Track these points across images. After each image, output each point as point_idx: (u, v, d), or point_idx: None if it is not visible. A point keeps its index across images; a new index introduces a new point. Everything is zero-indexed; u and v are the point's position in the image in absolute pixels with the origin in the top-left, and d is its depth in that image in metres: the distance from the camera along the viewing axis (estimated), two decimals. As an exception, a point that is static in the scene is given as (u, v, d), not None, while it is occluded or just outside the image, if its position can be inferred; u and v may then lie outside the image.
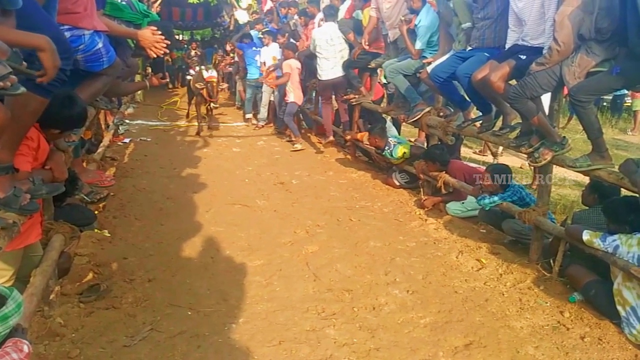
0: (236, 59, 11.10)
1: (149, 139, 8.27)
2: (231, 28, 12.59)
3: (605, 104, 13.33)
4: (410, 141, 6.60)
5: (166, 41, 3.54)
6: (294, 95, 8.17)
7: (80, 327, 2.98)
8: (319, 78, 7.46)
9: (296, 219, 4.94)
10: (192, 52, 15.07)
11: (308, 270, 3.88)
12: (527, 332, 3.19)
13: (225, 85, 10.40)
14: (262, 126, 9.54)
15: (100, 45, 3.00)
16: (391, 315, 3.32)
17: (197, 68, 10.85)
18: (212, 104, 9.27)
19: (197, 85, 8.68)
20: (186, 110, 10.39)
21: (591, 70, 3.46)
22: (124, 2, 3.94)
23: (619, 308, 3.19)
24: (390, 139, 6.11)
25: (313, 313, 3.29)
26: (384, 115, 7.06)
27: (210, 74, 9.34)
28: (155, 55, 3.57)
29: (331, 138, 7.63)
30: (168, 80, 5.83)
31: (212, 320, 3.16)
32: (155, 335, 2.97)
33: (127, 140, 7.93)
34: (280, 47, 9.02)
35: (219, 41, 15.80)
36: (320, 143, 8.13)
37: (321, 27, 7.32)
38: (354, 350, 2.92)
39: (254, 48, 9.88)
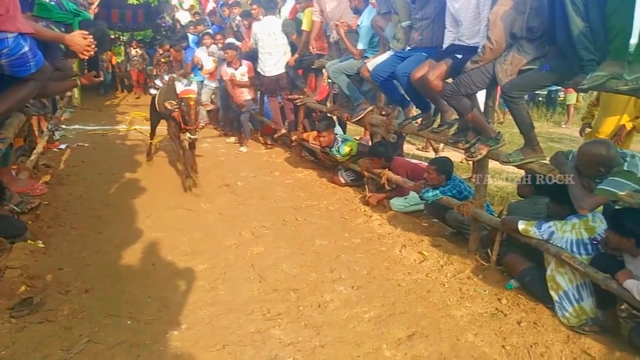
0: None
1: (86, 144, 7.93)
2: (178, 29, 12.19)
3: (540, 98, 13.95)
4: (356, 139, 6.67)
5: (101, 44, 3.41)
6: (249, 93, 8.01)
7: (12, 343, 2.82)
8: (262, 74, 7.41)
9: (242, 220, 4.89)
10: (133, 52, 14.52)
11: (253, 271, 3.84)
12: (467, 320, 3.30)
13: (211, 106, 7.08)
14: (202, 127, 9.20)
15: (26, 49, 2.84)
16: (336, 312, 3.34)
17: (166, 76, 7.25)
18: (190, 134, 5.47)
19: (168, 105, 5.48)
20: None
21: (523, 68, 3.60)
22: (52, 2, 3.76)
23: (552, 293, 3.34)
24: (337, 137, 6.17)
25: (258, 314, 3.26)
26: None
27: (186, 86, 6.84)
28: (87, 57, 3.44)
29: (283, 130, 7.59)
30: (102, 78, 5.67)
31: (153, 328, 3.06)
32: (93, 347, 2.85)
33: (63, 146, 7.58)
34: (219, 49, 8.45)
35: (160, 42, 15.31)
36: (267, 143, 8.08)
37: (261, 20, 7.25)
38: (299, 349, 2.92)
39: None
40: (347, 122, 6.50)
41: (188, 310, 3.29)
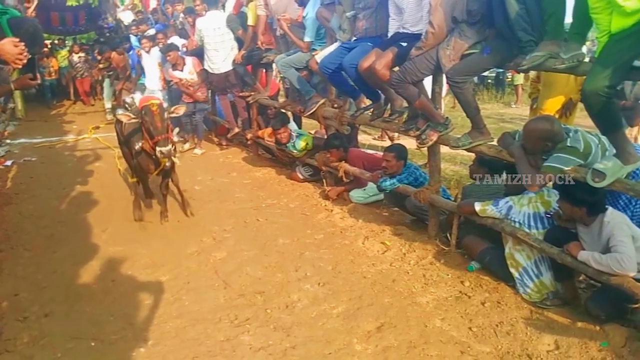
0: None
1: (34, 159, 7.62)
2: (122, 29, 11.72)
3: (489, 80, 14.25)
4: (311, 133, 6.66)
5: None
6: (202, 94, 7.82)
7: (-32, 380, 2.70)
8: (211, 71, 7.27)
9: (201, 226, 4.82)
10: (75, 57, 13.87)
11: (217, 278, 3.80)
12: (433, 305, 3.37)
13: (182, 110, 4.98)
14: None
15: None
16: (304, 311, 3.35)
17: (133, 96, 5.14)
18: (159, 146, 4.22)
19: (123, 119, 4.51)
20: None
21: (465, 53, 3.66)
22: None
23: (512, 270, 3.46)
24: (292, 132, 6.15)
25: (226, 322, 3.23)
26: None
27: (148, 91, 6.49)
28: (20, 66, 3.26)
29: (236, 129, 7.49)
30: (39, 81, 5.39)
31: (118, 347, 2.99)
32: (57, 374, 2.77)
33: (8, 162, 7.26)
34: (161, 51, 7.91)
35: (104, 44, 14.62)
36: (221, 144, 7.96)
37: (205, 16, 7.07)
38: (270, 353, 2.92)
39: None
40: (301, 116, 6.48)
41: (153, 325, 3.22)
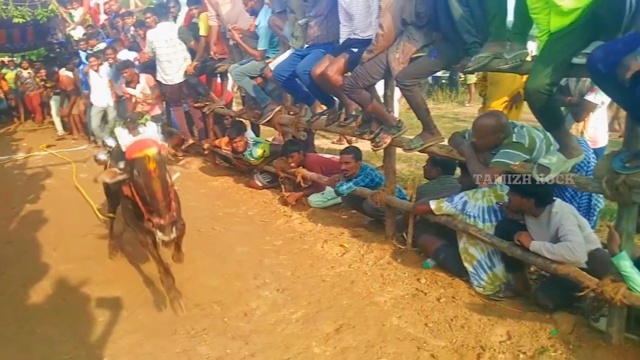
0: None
1: (-20, 179, 7.31)
2: (73, 45, 11.38)
3: (443, 80, 14.53)
4: (268, 140, 6.65)
5: None
6: (158, 107, 7.67)
7: None
8: (164, 83, 7.17)
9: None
10: (25, 73, 13.38)
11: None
12: (391, 304, 3.41)
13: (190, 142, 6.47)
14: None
15: None
16: (263, 318, 3.33)
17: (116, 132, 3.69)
18: (160, 233, 2.96)
19: (107, 178, 3.11)
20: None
21: (413, 56, 3.74)
22: None
23: (467, 265, 3.54)
24: (249, 140, 6.13)
25: (182, 333, 3.18)
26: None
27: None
28: None
29: (191, 141, 7.39)
30: None
31: (70, 368, 2.89)
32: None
33: (-47, 184, 6.94)
34: (117, 68, 7.76)
35: (55, 60, 14.15)
36: (176, 156, 7.80)
37: (156, 28, 7.00)
38: (228, 362, 2.88)
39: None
40: (258, 124, 6.47)
41: (108, 342, 3.13)
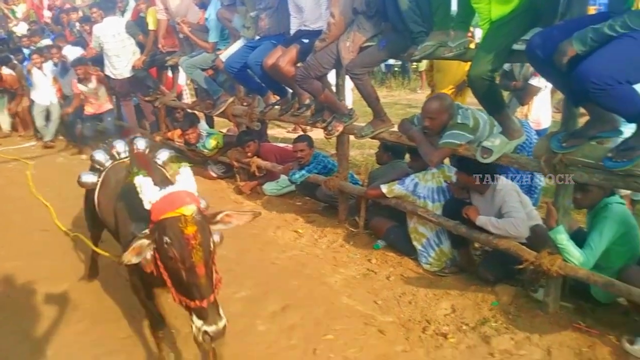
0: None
1: None
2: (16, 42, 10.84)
3: (396, 68, 14.67)
4: (222, 132, 6.65)
5: None
6: (109, 102, 7.48)
7: None
8: (113, 77, 7.03)
9: (105, 233, 4.60)
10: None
11: (121, 279, 3.61)
12: (341, 284, 3.52)
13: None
14: (52, 143, 8.28)
15: None
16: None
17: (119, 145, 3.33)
18: (204, 324, 2.02)
19: (129, 258, 2.08)
20: None
21: (363, 46, 3.85)
22: None
23: (416, 243, 3.72)
24: (202, 132, 6.12)
25: (127, 319, 3.17)
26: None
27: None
28: None
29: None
30: None
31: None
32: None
33: None
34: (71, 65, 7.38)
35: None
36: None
37: (102, 23, 6.85)
38: (172, 341, 2.90)
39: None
40: (211, 115, 6.46)
41: (53, 334, 3.07)
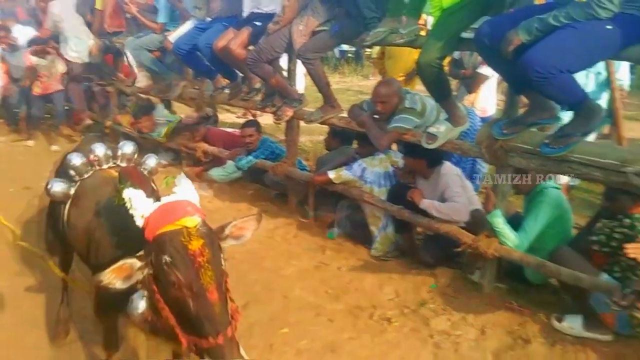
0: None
1: None
2: None
3: (350, 55, 14.70)
4: (181, 116, 6.42)
5: None
6: (59, 83, 7.05)
7: None
8: (70, 59, 6.60)
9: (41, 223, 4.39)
10: None
11: (57, 278, 3.43)
12: (295, 276, 3.50)
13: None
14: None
15: None
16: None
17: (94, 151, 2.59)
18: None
19: (109, 279, 1.60)
20: None
21: (316, 30, 3.82)
22: None
23: (373, 229, 3.72)
24: (158, 119, 5.93)
25: (74, 324, 2.99)
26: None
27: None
28: None
29: (88, 121, 6.97)
30: None
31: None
32: None
33: None
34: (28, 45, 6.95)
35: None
36: (70, 136, 7.28)
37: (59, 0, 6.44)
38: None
39: None
40: (167, 100, 6.26)
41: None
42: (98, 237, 2.09)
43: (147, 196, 1.80)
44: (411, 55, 4.72)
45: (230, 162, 5.09)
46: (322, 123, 4.09)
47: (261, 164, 4.59)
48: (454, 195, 3.21)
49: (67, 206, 2.41)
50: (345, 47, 9.16)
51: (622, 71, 3.72)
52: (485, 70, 4.50)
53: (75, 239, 2.36)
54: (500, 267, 3.13)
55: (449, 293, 3.16)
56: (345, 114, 3.94)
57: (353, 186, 3.76)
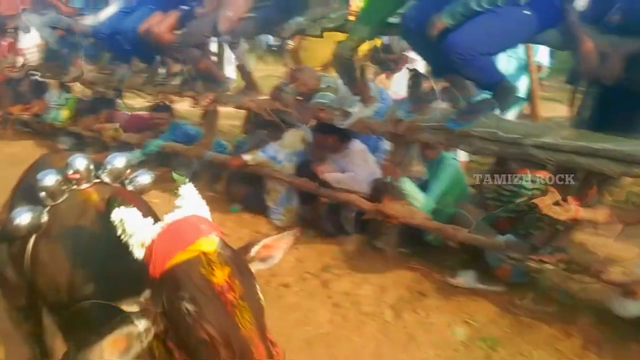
0: None
1: None
2: None
3: (274, 48, 14.84)
4: (77, 96, 6.11)
5: None
6: None
7: None
8: None
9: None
10: None
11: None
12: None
13: None
14: None
15: None
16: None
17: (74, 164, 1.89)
18: None
19: None
20: None
21: (243, 16, 3.90)
22: None
23: (270, 203, 3.90)
24: (50, 103, 5.65)
25: None
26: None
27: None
28: None
29: None
30: None
31: None
32: None
33: None
34: None
35: None
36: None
37: None
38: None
39: None
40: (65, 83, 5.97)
41: None
42: (77, 280, 1.56)
43: (144, 216, 1.28)
44: (327, 49, 5.00)
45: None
46: (241, 107, 4.22)
47: (171, 147, 4.56)
48: (356, 168, 3.51)
49: (33, 240, 1.79)
50: (271, 40, 9.33)
51: (542, 54, 3.95)
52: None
53: (46, 285, 1.73)
54: (403, 232, 3.36)
55: (353, 258, 3.32)
56: (263, 98, 4.08)
57: (265, 166, 3.90)
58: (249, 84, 4.19)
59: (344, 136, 3.61)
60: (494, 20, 2.52)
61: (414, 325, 2.75)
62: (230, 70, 4.85)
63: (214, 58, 4.53)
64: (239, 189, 4.13)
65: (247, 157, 3.92)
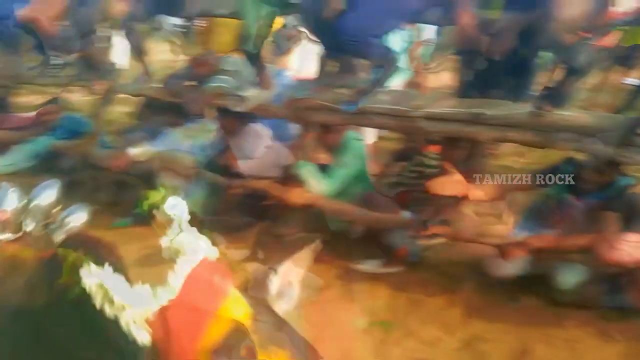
0: None
1: None
2: None
3: (178, 29, 14.44)
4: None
5: None
6: None
7: None
8: None
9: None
10: None
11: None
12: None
13: None
14: None
15: None
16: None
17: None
18: None
19: None
20: None
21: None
22: None
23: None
24: None
25: None
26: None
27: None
28: None
29: None
30: None
31: None
32: None
33: None
34: None
35: None
36: None
37: None
38: None
39: None
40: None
41: None
42: None
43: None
44: (235, 32, 4.85)
45: (16, 149, 4.36)
46: (136, 95, 3.97)
47: (61, 145, 4.19)
48: (254, 151, 3.40)
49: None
50: (178, 21, 8.90)
51: (429, 32, 4.22)
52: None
53: None
54: (308, 219, 3.22)
55: (257, 246, 3.17)
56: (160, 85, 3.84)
57: (162, 158, 3.62)
58: (144, 69, 3.93)
59: (243, 119, 3.45)
60: (380, 2, 2.67)
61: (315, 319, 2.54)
62: (122, 57, 4.55)
63: (103, 44, 4.23)
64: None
65: (134, 152, 3.62)
